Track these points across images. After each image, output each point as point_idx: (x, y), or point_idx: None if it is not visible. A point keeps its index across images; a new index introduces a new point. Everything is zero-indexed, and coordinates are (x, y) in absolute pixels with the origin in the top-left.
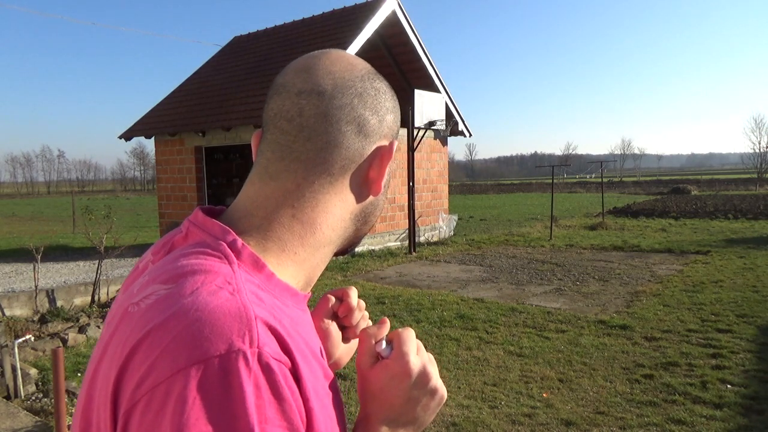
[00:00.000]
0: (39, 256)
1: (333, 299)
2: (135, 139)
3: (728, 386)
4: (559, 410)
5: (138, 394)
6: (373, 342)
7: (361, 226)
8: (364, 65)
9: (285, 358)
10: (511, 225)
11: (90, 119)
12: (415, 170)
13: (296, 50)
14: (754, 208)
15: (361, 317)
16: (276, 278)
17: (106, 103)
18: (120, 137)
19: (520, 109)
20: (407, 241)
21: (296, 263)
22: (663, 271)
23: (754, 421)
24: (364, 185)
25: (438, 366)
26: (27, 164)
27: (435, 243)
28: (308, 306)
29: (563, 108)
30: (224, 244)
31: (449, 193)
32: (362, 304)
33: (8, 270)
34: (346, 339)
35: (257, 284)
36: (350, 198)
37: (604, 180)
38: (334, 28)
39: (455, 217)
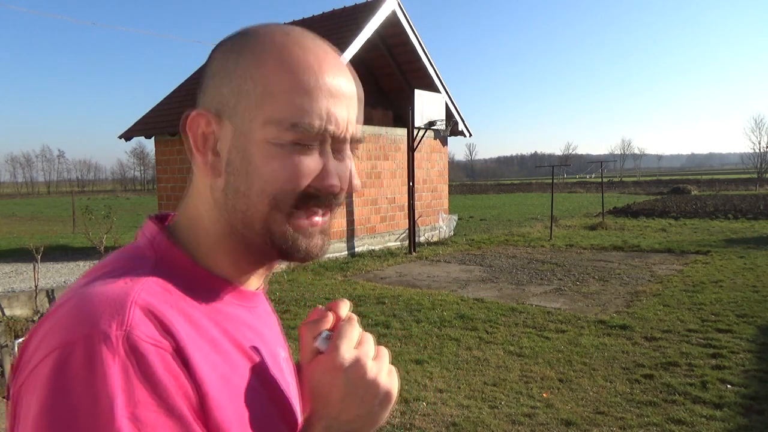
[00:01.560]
0: (39, 256)
1: (321, 308)
2: (135, 139)
3: (728, 386)
4: (559, 410)
5: (20, 380)
6: (312, 337)
7: (220, 210)
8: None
9: (164, 342)
10: (511, 225)
11: (90, 119)
12: (415, 170)
13: None
14: (754, 208)
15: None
16: (202, 273)
17: (106, 103)
18: (120, 137)
19: (520, 109)
20: (407, 241)
21: (203, 248)
22: (663, 271)
23: (754, 421)
24: (195, 148)
25: (438, 366)
26: (27, 164)
27: (435, 243)
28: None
29: (563, 108)
30: (151, 243)
31: (449, 193)
32: (353, 316)
33: (8, 270)
34: None
35: (170, 278)
36: (197, 161)
37: (604, 180)
38: (334, 28)
39: (455, 217)
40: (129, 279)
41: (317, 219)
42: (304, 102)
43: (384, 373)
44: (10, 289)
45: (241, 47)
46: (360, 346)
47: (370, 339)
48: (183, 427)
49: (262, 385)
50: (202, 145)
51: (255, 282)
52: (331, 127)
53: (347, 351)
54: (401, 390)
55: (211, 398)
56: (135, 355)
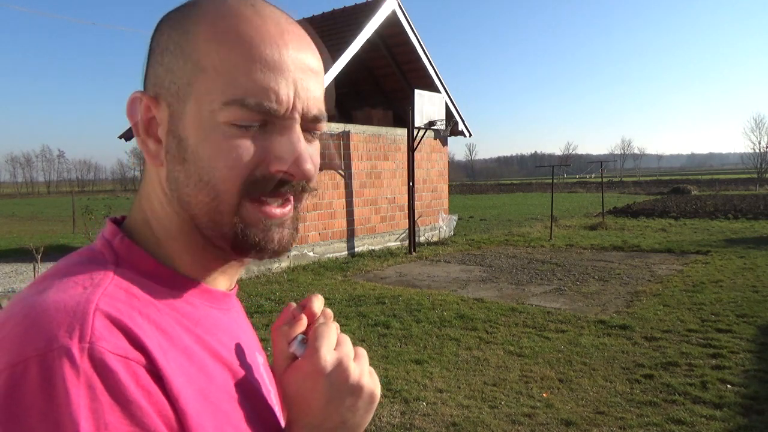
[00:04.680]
0: (39, 256)
1: (294, 306)
2: (135, 139)
3: (728, 386)
4: (559, 410)
5: None
6: (286, 342)
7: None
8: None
9: (136, 354)
10: (511, 225)
11: (90, 119)
12: (415, 170)
13: None
14: (754, 208)
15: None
16: (168, 274)
17: (106, 103)
18: (120, 137)
19: (520, 109)
20: (407, 241)
21: (159, 244)
22: (663, 271)
23: (754, 421)
24: (143, 139)
25: (438, 366)
26: (27, 164)
27: (435, 243)
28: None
29: (563, 108)
30: (109, 244)
31: (449, 193)
32: (328, 312)
33: (8, 270)
34: None
35: (134, 281)
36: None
37: (604, 180)
38: (334, 28)
39: (455, 217)
40: (87, 284)
41: (276, 210)
42: (267, 77)
43: (366, 374)
44: (10, 289)
45: (183, 17)
46: (339, 348)
47: (347, 339)
48: None
49: (242, 396)
50: (144, 131)
51: (224, 282)
52: (300, 105)
53: (328, 354)
54: (401, 390)
55: (189, 416)
56: (101, 371)
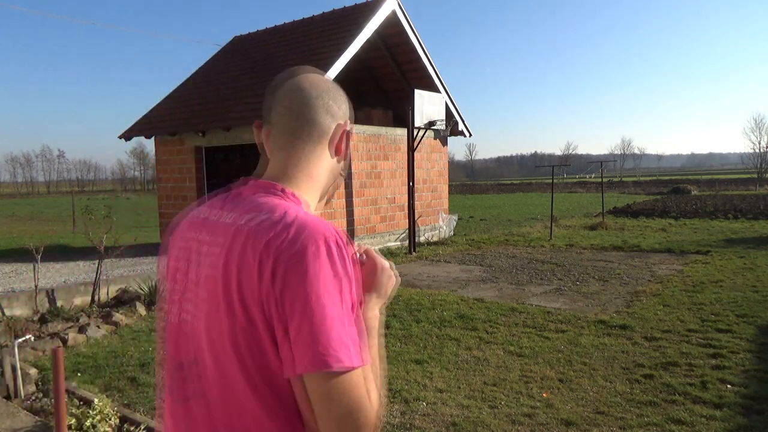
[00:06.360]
0: (39, 256)
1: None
2: (135, 139)
3: (728, 386)
4: (559, 410)
5: (285, 256)
6: (357, 254)
7: (331, 180)
8: (328, 77)
9: (349, 244)
10: (511, 225)
11: (90, 119)
12: (415, 170)
13: (296, 50)
14: (754, 208)
15: None
16: (309, 208)
17: (106, 103)
18: (120, 137)
19: (520, 109)
20: (407, 241)
21: (310, 199)
22: (663, 271)
23: (754, 421)
24: (332, 150)
25: (438, 366)
26: (27, 164)
27: (435, 243)
28: None
29: (563, 108)
30: (279, 191)
31: (449, 193)
32: (369, 248)
33: (8, 270)
34: None
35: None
36: (326, 157)
37: (604, 180)
38: (334, 28)
39: (455, 217)
40: (303, 212)
41: None
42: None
43: (394, 268)
44: (10, 289)
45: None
46: (381, 258)
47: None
48: (353, 285)
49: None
50: (338, 140)
51: None
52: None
53: (381, 259)
54: (401, 390)
55: (357, 274)
56: (343, 248)
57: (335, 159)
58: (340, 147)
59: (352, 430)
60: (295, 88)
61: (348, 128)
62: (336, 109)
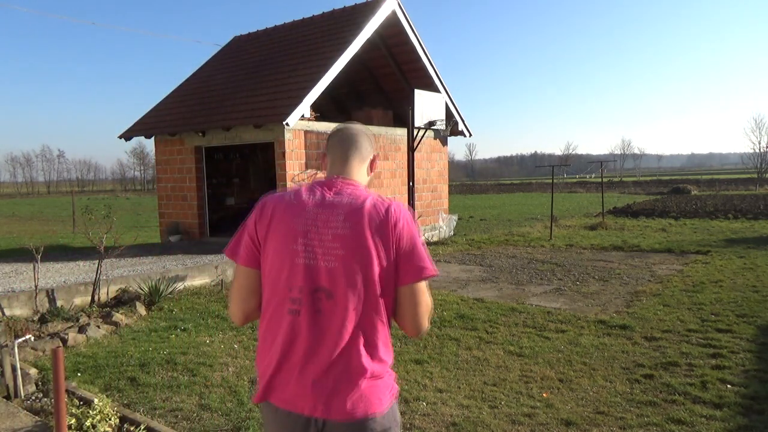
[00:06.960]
0: (39, 256)
1: None
2: (135, 139)
3: (728, 386)
4: (559, 410)
5: (401, 223)
6: None
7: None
8: (364, 126)
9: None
10: (511, 225)
11: (90, 119)
12: (415, 170)
13: (296, 50)
14: (754, 208)
15: None
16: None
17: (106, 103)
18: (120, 137)
19: (520, 109)
20: None
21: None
22: (663, 271)
23: (754, 421)
24: (369, 168)
25: (438, 366)
26: (27, 164)
27: (435, 243)
28: None
29: (563, 108)
30: (359, 185)
31: (449, 193)
32: None
33: (8, 270)
34: None
35: None
36: (366, 171)
37: (604, 180)
38: (334, 28)
39: (455, 217)
40: (390, 199)
41: None
42: None
43: None
44: (10, 289)
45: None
46: None
47: None
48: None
49: None
50: (370, 167)
51: None
52: None
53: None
54: (401, 390)
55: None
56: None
57: (371, 174)
58: (373, 166)
59: (430, 311)
60: (355, 132)
61: (376, 156)
62: (370, 143)
